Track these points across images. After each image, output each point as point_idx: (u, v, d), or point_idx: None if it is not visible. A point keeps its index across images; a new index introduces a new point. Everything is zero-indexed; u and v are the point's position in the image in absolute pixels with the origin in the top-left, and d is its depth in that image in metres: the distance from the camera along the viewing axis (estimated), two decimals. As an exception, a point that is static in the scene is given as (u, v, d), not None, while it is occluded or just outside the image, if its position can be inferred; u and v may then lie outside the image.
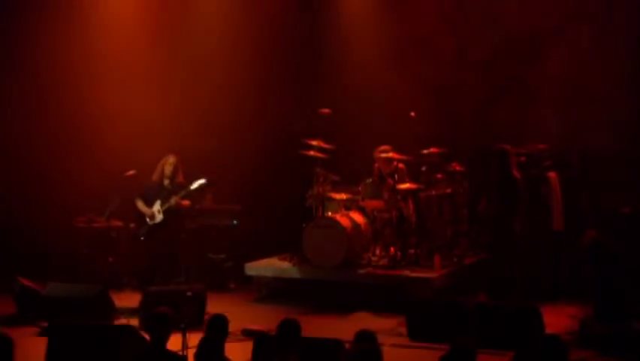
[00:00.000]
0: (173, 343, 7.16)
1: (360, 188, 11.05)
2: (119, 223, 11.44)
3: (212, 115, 12.31)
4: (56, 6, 11.84)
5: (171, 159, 10.39)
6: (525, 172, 10.20)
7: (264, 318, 9.61)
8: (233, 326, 9.03)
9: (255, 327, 8.95)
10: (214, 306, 9.62)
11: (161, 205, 10.28)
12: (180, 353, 6.76)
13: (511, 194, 9.43)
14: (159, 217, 10.29)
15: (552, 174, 10.48)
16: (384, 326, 9.24)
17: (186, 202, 10.42)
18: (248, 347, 7.59)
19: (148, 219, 10.34)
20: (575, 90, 11.51)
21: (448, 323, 8.60)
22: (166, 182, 10.37)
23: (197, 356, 6.10)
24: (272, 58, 12.41)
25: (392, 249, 10.70)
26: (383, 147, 11.02)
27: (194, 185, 10.22)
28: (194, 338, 7.04)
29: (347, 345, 6.83)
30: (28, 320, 9.43)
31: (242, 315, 9.70)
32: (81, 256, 11.40)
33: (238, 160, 12.20)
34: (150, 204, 10.34)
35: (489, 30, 11.97)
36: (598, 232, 9.14)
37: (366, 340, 5.92)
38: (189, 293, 7.87)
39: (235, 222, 11.70)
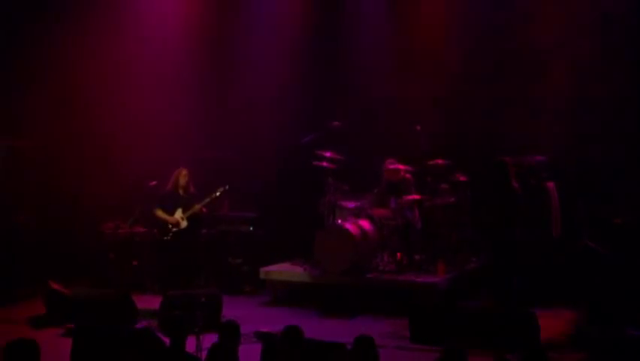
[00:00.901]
0: (189, 345, 7.35)
1: (369, 197, 11.15)
2: (142, 230, 11.57)
3: (230, 127, 12.45)
4: (86, 25, 12.03)
5: (184, 171, 10.58)
6: (524, 182, 10.24)
7: (277, 320, 9.65)
8: (247, 328, 9.28)
9: (267, 330, 8.95)
10: (230, 308, 9.79)
11: (184, 212, 10.45)
12: (195, 354, 6.90)
13: (510, 205, 9.41)
14: (184, 224, 10.45)
15: (550, 184, 10.46)
16: (389, 329, 9.30)
17: (205, 209, 10.61)
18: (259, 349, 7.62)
19: (171, 226, 10.46)
20: (573, 103, 11.51)
21: (449, 326, 8.66)
22: (180, 191, 10.53)
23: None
24: (287, 74, 12.49)
25: (399, 255, 10.77)
26: (391, 159, 11.13)
27: (217, 192, 10.45)
28: (210, 340, 7.27)
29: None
30: (56, 321, 9.50)
31: (255, 317, 9.90)
32: (108, 260, 11.52)
33: (254, 170, 12.32)
34: (170, 213, 10.49)
35: (493, 44, 12.01)
36: (591, 241, 9.22)
37: (365, 344, 6.05)
38: (203, 299, 7.95)
39: (251, 228, 11.78)
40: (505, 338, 8.30)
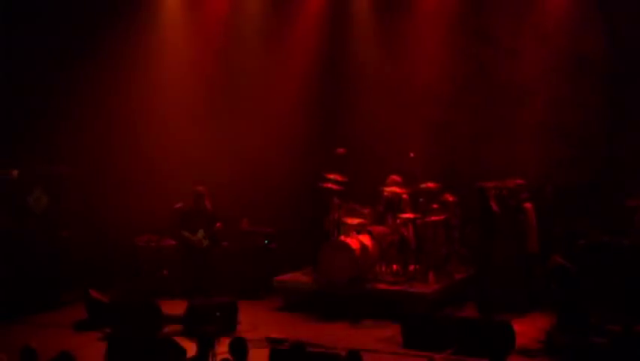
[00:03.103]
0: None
1: (369, 215, 11.30)
2: (171, 243, 11.70)
3: (247, 153, 12.57)
4: (118, 64, 12.28)
5: (202, 190, 10.52)
6: (505, 204, 10.37)
7: (287, 324, 9.99)
8: (260, 332, 9.51)
9: (277, 335, 9.17)
10: (247, 313, 10.02)
11: (206, 233, 10.44)
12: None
13: (489, 226, 9.54)
14: (205, 242, 10.45)
15: (528, 205, 10.55)
16: (385, 335, 9.43)
17: (219, 224, 10.64)
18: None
19: (195, 245, 10.48)
20: (551, 131, 11.63)
21: (437, 334, 8.80)
22: (200, 211, 10.43)
23: None
24: (298, 105, 12.62)
25: (395, 266, 10.89)
26: (391, 179, 11.28)
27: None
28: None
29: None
30: (96, 326, 9.74)
31: (269, 321, 10.13)
32: (141, 269, 11.71)
33: (269, 190, 12.41)
34: (193, 232, 10.49)
35: (480, 78, 12.08)
36: (562, 257, 9.32)
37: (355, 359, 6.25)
38: (218, 314, 8.04)
39: (267, 242, 11.82)
40: (484, 345, 8.45)
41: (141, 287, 11.40)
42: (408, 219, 10.95)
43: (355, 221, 11.11)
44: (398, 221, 10.97)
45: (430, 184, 11.06)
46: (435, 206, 11.09)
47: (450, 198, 11.12)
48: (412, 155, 11.09)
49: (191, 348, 7.39)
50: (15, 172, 11.11)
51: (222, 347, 7.76)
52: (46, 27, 12.04)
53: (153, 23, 12.64)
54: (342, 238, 10.81)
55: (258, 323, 9.90)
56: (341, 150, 11.36)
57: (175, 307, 10.18)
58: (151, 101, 12.43)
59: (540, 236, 10.56)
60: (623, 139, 11.25)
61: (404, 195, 11.16)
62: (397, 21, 12.44)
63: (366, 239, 10.89)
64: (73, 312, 10.50)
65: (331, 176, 11.14)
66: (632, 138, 11.13)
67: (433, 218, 10.92)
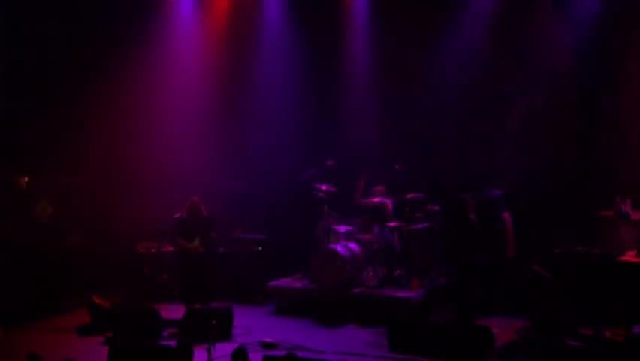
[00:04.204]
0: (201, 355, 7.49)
1: (356, 223, 11.29)
2: (170, 249, 11.52)
3: (245, 162, 12.57)
4: (121, 83, 12.17)
5: (195, 199, 10.32)
6: (485, 213, 10.35)
7: (280, 328, 9.90)
8: (255, 336, 9.45)
9: (270, 340, 9.13)
10: (241, 316, 9.90)
11: (201, 240, 10.27)
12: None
13: (469, 234, 9.52)
14: (201, 250, 10.27)
15: (506, 214, 10.53)
16: (371, 338, 9.35)
17: (215, 232, 10.47)
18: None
19: (191, 252, 10.32)
20: (527, 142, 11.61)
21: (421, 338, 8.74)
22: (195, 219, 10.24)
23: None
24: (290, 119, 12.55)
25: (380, 272, 10.81)
26: (376, 189, 11.24)
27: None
28: (220, 349, 7.44)
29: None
30: (99, 331, 9.66)
31: (262, 325, 10.04)
32: (142, 274, 11.55)
33: (263, 199, 12.36)
34: (188, 240, 10.30)
35: (461, 92, 12.04)
36: (538, 264, 9.30)
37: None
38: (214, 322, 7.98)
39: (260, 248, 11.73)
40: (464, 349, 8.43)
41: (142, 292, 11.27)
42: (394, 227, 10.91)
43: (344, 228, 11.11)
44: (384, 229, 10.93)
45: (414, 194, 11.05)
46: (418, 215, 11.09)
47: (433, 207, 11.11)
48: (397, 167, 11.08)
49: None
50: None
51: (218, 352, 7.81)
52: (54, 40, 11.91)
53: (159, 38, 12.50)
54: (332, 245, 10.77)
55: (252, 327, 9.82)
56: (330, 162, 11.39)
57: (173, 311, 10.11)
58: (152, 116, 12.32)
59: (517, 244, 10.52)
60: (594, 150, 11.23)
61: (388, 205, 11.11)
62: (388, 33, 12.41)
63: (354, 246, 10.86)
64: (76, 317, 10.41)
65: (322, 187, 11.11)
66: (602, 150, 11.12)
67: (417, 226, 10.90)
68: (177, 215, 10.48)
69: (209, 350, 7.29)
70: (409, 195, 11.06)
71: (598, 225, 9.84)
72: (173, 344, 8.32)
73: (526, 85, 11.78)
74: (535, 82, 11.70)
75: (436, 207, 11.11)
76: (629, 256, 8.81)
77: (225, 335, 9.18)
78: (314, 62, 12.57)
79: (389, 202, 11.11)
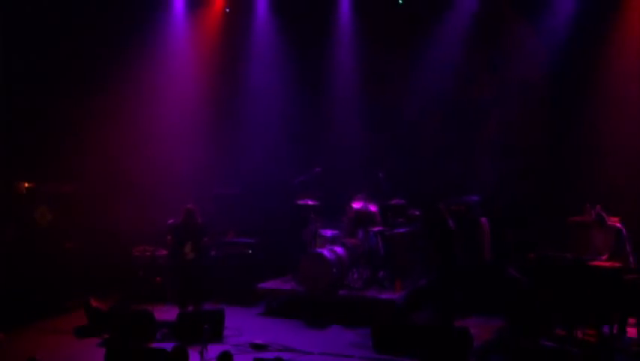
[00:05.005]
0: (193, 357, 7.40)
1: (342, 227, 11.23)
2: (164, 252, 11.41)
3: (237, 169, 12.52)
4: (120, 93, 12.08)
5: (191, 206, 10.21)
6: (463, 218, 10.31)
7: (269, 329, 9.83)
8: (245, 337, 9.37)
9: (260, 342, 9.03)
10: (232, 317, 9.82)
11: (193, 246, 10.13)
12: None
13: (447, 241, 9.49)
14: (191, 255, 10.14)
15: (483, 219, 10.54)
16: (356, 338, 9.30)
17: (207, 238, 10.33)
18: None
19: (183, 257, 10.19)
20: (503, 150, 11.62)
21: (403, 338, 8.71)
22: (188, 226, 10.13)
23: None
24: (280, 128, 12.60)
25: (365, 274, 10.77)
26: (360, 196, 11.20)
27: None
28: (213, 350, 7.41)
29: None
30: (96, 333, 9.56)
31: (252, 326, 9.95)
32: (137, 276, 11.49)
33: (255, 204, 12.31)
34: (182, 244, 10.16)
35: (440, 101, 12.06)
36: (514, 268, 9.29)
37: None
38: (206, 326, 7.89)
39: (250, 251, 11.67)
40: (444, 349, 8.40)
41: (137, 293, 11.18)
42: (377, 231, 10.88)
43: (330, 233, 11.07)
44: (368, 233, 10.90)
45: (397, 200, 11.05)
46: (401, 220, 11.08)
47: (414, 212, 11.10)
48: (380, 175, 11.05)
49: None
50: None
51: (210, 353, 7.73)
52: (55, 49, 11.77)
53: (155, 49, 12.44)
54: (319, 249, 10.73)
55: (243, 328, 9.74)
56: (318, 169, 11.41)
57: (167, 313, 10.07)
58: (148, 125, 12.23)
59: (493, 247, 10.53)
60: (566, 158, 11.27)
61: (373, 211, 11.09)
62: (371, 46, 12.35)
63: (339, 250, 10.82)
64: (74, 318, 10.27)
65: (307, 201, 11.09)
66: (574, 158, 11.16)
67: (400, 231, 10.88)
68: (172, 221, 10.38)
69: (201, 353, 7.19)
70: (392, 202, 11.05)
71: (570, 229, 9.83)
72: (166, 345, 8.26)
73: (501, 96, 11.82)
74: (509, 93, 11.76)
75: (418, 213, 11.08)
76: (601, 261, 8.81)
77: (217, 336, 9.09)
78: (302, 72, 12.54)
79: (375, 208, 11.04)
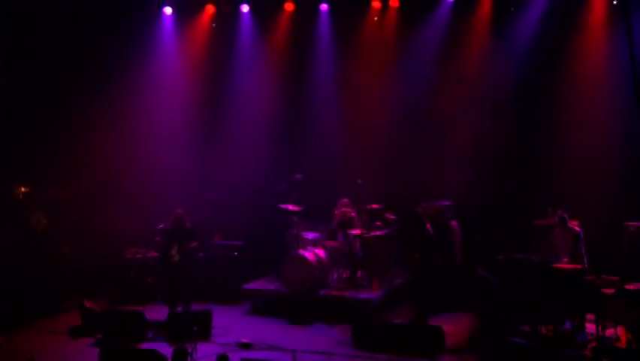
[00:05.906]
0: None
1: (323, 231, 11.21)
2: (154, 255, 11.34)
3: (225, 175, 12.44)
4: (112, 103, 11.99)
5: (180, 211, 10.08)
6: (435, 222, 10.34)
7: (254, 327, 9.79)
8: (232, 336, 9.32)
9: (246, 340, 9.00)
10: (219, 316, 9.78)
11: (178, 249, 9.96)
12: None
13: (425, 243, 9.51)
14: (176, 258, 9.97)
15: (454, 223, 10.60)
16: (337, 336, 9.28)
17: (195, 243, 10.17)
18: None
19: (169, 259, 10.03)
20: (471, 157, 11.66)
21: (381, 335, 8.74)
22: (176, 229, 9.98)
23: None
24: (264, 136, 12.51)
25: (344, 274, 10.80)
26: (342, 202, 11.19)
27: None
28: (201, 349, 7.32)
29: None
30: (89, 333, 9.46)
31: (238, 324, 9.91)
32: (129, 278, 11.38)
33: (241, 209, 12.25)
34: (168, 247, 9.99)
35: (414, 111, 12.09)
36: (484, 269, 9.33)
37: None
38: (195, 328, 7.82)
39: (236, 253, 11.60)
40: (419, 345, 8.44)
41: (128, 294, 11.09)
42: (356, 234, 10.87)
43: (312, 236, 11.04)
44: (348, 236, 10.87)
45: (374, 205, 11.04)
46: (378, 223, 11.08)
47: (390, 216, 11.12)
48: (359, 181, 11.05)
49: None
50: None
51: (199, 352, 7.67)
52: (55, 59, 11.64)
53: (147, 62, 12.39)
54: (301, 251, 10.67)
55: (230, 327, 9.69)
56: (299, 176, 11.38)
57: (157, 312, 9.97)
58: (141, 133, 12.16)
59: (464, 249, 10.57)
60: (530, 165, 11.35)
61: (352, 215, 11.09)
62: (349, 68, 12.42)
63: (320, 252, 10.79)
64: (69, 319, 10.15)
65: (288, 207, 10.98)
66: (538, 165, 11.25)
67: (377, 233, 10.88)
68: (161, 226, 10.28)
69: (190, 354, 7.12)
70: (369, 206, 11.03)
71: (534, 232, 9.92)
72: (157, 344, 8.19)
73: (469, 107, 11.85)
74: (476, 104, 11.78)
75: (393, 216, 11.10)
76: (562, 263, 8.91)
77: (205, 335, 9.04)
78: (285, 83, 12.55)
79: (354, 213, 11.04)
